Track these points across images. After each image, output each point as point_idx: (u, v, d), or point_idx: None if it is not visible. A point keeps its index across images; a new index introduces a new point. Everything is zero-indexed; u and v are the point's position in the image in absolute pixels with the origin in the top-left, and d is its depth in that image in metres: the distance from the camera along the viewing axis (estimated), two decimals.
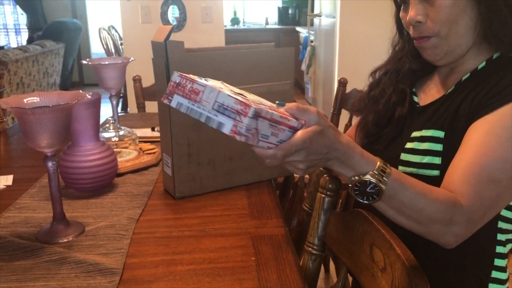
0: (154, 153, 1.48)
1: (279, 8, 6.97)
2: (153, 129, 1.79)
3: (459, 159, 0.77)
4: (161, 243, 0.97)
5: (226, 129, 0.60)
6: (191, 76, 0.66)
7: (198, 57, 1.13)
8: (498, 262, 0.89)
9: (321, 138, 0.65)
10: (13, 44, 7.50)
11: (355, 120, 1.15)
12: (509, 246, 0.92)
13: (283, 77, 1.26)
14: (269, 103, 0.71)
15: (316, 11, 4.69)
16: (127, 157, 1.42)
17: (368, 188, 0.69)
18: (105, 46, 4.66)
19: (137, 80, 2.24)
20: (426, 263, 0.74)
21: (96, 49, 7.31)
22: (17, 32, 7.58)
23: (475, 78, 0.88)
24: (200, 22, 3.33)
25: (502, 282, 0.88)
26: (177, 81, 0.65)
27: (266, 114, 0.60)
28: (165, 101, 0.66)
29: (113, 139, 1.47)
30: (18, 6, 7.27)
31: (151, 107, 2.35)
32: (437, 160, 0.86)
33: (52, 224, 0.99)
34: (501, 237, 0.89)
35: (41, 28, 6.24)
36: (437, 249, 0.77)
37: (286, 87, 1.27)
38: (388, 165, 0.71)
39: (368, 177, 0.68)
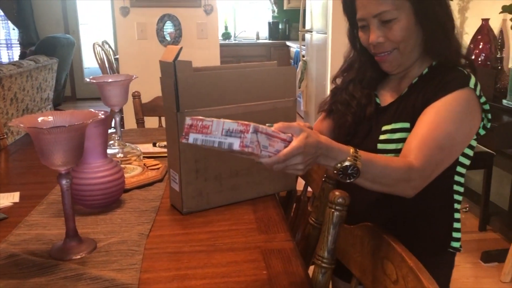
0: (158, 168, 1.50)
1: (269, 23, 7.05)
2: (154, 145, 1.82)
3: (415, 133, 1.01)
4: (173, 258, 0.99)
5: (236, 146, 0.75)
6: (200, 117, 0.81)
7: (206, 76, 1.17)
8: (457, 215, 1.15)
9: (309, 142, 0.80)
10: (5, 59, 7.49)
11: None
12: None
13: (286, 95, 1.29)
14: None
15: (307, 27, 4.76)
16: (132, 173, 1.44)
17: (349, 170, 0.84)
18: (99, 62, 4.67)
19: (136, 96, 2.27)
20: (405, 220, 1.10)
21: (89, 63, 7.32)
22: (9, 47, 7.58)
23: (422, 81, 1.12)
24: (196, 38, 3.38)
25: (459, 230, 1.15)
26: (190, 123, 0.79)
27: (262, 129, 0.76)
28: (183, 141, 0.79)
29: (118, 156, 1.49)
30: (9, 21, 7.27)
31: (150, 122, 2.38)
32: None
33: (65, 241, 1.01)
34: (457, 197, 1.14)
35: (34, 43, 6.23)
36: (412, 210, 1.01)
37: (289, 104, 1.30)
38: (357, 150, 0.86)
39: (347, 162, 0.84)
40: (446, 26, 1.08)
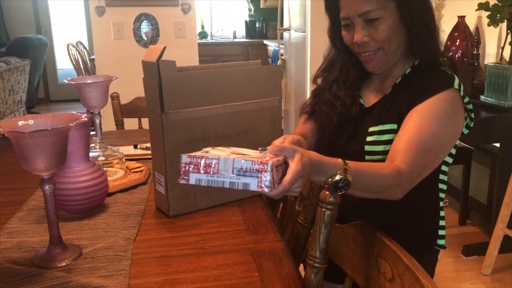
0: (141, 171, 1.47)
1: (246, 22, 7.03)
2: (135, 147, 1.78)
3: (402, 135, 1.00)
4: (162, 262, 0.97)
5: (253, 187, 0.69)
6: (197, 153, 0.75)
7: (191, 76, 1.15)
8: (442, 213, 1.17)
9: (305, 163, 0.77)
10: None
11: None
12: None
13: (272, 94, 1.28)
14: (251, 151, 0.82)
15: (285, 25, 4.76)
16: (115, 177, 1.40)
17: (340, 183, 0.82)
18: (74, 63, 4.58)
19: (115, 97, 2.22)
20: (392, 219, 1.09)
21: (62, 65, 7.17)
22: None
23: (406, 81, 1.12)
24: (173, 37, 3.34)
25: (444, 227, 1.17)
26: (188, 161, 0.73)
27: (277, 162, 0.71)
28: (182, 181, 0.74)
29: (99, 159, 1.46)
30: None
31: (129, 124, 2.34)
32: None
33: (48, 248, 0.98)
34: (441, 194, 1.16)
35: (4, 44, 6.07)
36: (399, 209, 1.00)
37: (275, 103, 1.29)
38: (346, 162, 0.85)
39: (338, 176, 0.82)
40: (430, 25, 1.08)
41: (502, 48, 2.39)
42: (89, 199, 1.16)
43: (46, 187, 0.94)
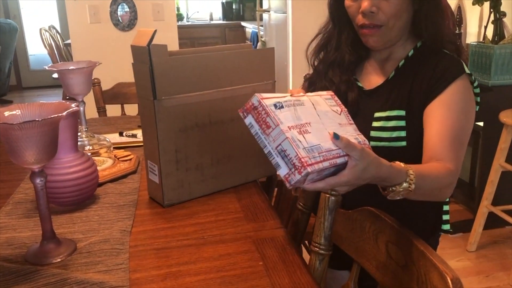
0: (130, 159, 1.43)
1: (223, 3, 6.91)
2: (121, 134, 1.73)
3: (435, 133, 0.96)
4: (162, 254, 0.94)
5: (282, 173, 0.67)
6: (267, 104, 0.70)
7: (183, 60, 1.10)
8: (445, 207, 1.15)
9: (363, 174, 0.72)
10: None
11: None
12: None
13: (265, 77, 1.25)
14: (351, 128, 0.81)
15: (264, 6, 4.70)
16: (103, 166, 1.36)
17: (402, 192, 0.77)
18: (48, 49, 4.43)
19: (96, 83, 2.15)
20: (397, 205, 0.96)
21: (34, 50, 6.93)
22: None
23: (410, 64, 1.07)
24: (152, 20, 3.25)
25: (448, 212, 1.16)
26: (255, 105, 0.71)
27: (318, 169, 0.67)
28: (240, 113, 0.71)
29: (86, 148, 1.41)
30: None
31: (111, 110, 2.27)
32: (403, 133, 1.05)
33: (41, 244, 0.94)
34: None
35: None
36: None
37: (268, 87, 1.26)
38: (409, 169, 0.78)
39: (403, 186, 0.77)
40: (440, 5, 1.05)
41: (485, 27, 2.40)
42: (80, 190, 1.11)
43: (38, 181, 0.89)
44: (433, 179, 0.86)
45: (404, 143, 1.04)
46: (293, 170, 0.65)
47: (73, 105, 0.95)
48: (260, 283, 0.83)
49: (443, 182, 0.89)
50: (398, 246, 0.73)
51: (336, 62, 1.17)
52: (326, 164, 0.68)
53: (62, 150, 1.10)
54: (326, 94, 0.84)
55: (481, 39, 2.48)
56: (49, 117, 0.84)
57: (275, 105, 0.71)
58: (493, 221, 2.38)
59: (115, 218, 1.09)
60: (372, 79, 1.14)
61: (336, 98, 0.84)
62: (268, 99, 0.72)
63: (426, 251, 0.67)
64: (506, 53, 2.23)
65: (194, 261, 0.91)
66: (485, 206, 2.28)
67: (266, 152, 0.69)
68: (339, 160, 0.70)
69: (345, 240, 0.86)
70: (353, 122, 0.84)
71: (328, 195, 0.88)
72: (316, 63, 1.24)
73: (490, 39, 2.33)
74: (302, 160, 0.65)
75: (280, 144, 0.67)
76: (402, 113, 1.05)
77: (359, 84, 1.16)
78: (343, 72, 1.16)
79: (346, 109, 0.84)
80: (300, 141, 0.68)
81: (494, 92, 2.28)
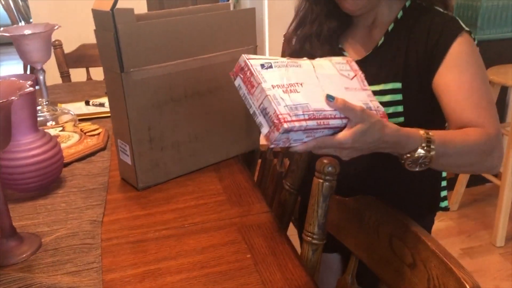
0: (98, 134, 1.31)
1: None
2: (87, 103, 1.59)
3: (454, 105, 0.85)
4: (138, 249, 0.85)
5: (263, 131, 0.65)
6: (252, 64, 0.67)
7: (152, 26, 0.97)
8: (444, 173, 1.07)
9: (363, 137, 0.65)
10: None
11: None
12: None
13: (246, 42, 1.13)
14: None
15: None
16: (69, 143, 1.24)
17: (420, 160, 0.71)
18: (5, 6, 4.11)
19: (58, 46, 1.97)
20: (395, 183, 0.98)
21: None
22: None
23: (401, 27, 0.96)
24: None
25: (445, 188, 1.09)
26: (242, 65, 0.68)
27: (300, 127, 0.63)
28: (232, 77, 0.70)
29: (48, 124, 1.27)
30: None
31: (76, 75, 2.11)
32: (400, 108, 0.94)
33: (1, 242, 0.83)
34: None
35: None
36: (402, 172, 0.81)
37: (250, 53, 1.13)
38: (429, 133, 0.72)
39: (419, 152, 0.70)
40: None
41: None
42: (43, 175, 1.00)
43: None
44: (464, 145, 0.77)
45: (402, 119, 0.93)
46: (272, 127, 0.64)
47: (27, 83, 0.82)
48: (250, 280, 0.76)
49: (481, 148, 0.79)
50: (404, 242, 0.65)
51: (314, 35, 1.04)
52: (311, 123, 0.64)
53: (19, 132, 0.98)
54: (342, 59, 0.78)
55: None
56: None
57: (262, 65, 0.68)
58: (474, 179, 2.37)
59: (84, 205, 0.98)
60: (359, 49, 1.02)
61: (353, 63, 0.78)
62: (255, 59, 0.69)
63: (437, 250, 0.59)
64: (493, 5, 2.13)
65: (174, 256, 0.82)
66: None
67: (251, 112, 0.68)
68: (333, 122, 0.65)
69: (342, 229, 0.78)
70: (368, 88, 0.76)
71: (321, 181, 0.79)
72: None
73: None
74: (280, 116, 0.62)
75: (262, 103, 0.65)
76: (398, 85, 0.93)
77: (345, 54, 1.03)
78: (324, 43, 1.03)
79: (363, 75, 0.77)
80: (283, 99, 0.65)
81: (480, 48, 2.20)
